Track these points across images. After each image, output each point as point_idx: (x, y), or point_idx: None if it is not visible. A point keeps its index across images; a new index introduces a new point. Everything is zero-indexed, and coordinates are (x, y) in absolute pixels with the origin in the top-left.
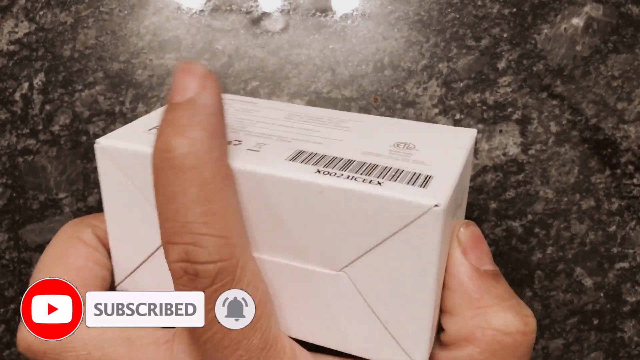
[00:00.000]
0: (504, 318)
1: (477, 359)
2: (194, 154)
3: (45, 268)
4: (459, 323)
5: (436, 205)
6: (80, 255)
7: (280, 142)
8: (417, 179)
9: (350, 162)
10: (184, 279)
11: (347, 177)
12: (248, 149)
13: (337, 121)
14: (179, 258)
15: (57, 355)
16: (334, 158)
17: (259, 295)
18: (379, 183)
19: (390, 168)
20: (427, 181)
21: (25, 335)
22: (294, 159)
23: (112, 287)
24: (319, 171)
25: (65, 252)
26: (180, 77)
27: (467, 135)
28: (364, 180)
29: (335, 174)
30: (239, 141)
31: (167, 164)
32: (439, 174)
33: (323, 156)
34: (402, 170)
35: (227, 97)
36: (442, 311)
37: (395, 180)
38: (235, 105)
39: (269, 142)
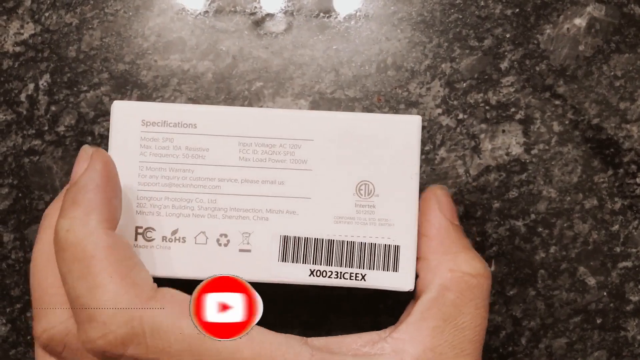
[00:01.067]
0: (471, 262)
1: (448, 298)
2: (72, 231)
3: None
4: (432, 266)
5: (409, 290)
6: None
7: (255, 224)
8: (389, 257)
9: (331, 246)
10: (100, 356)
11: (337, 276)
12: (240, 250)
13: (291, 150)
14: (87, 337)
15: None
16: (316, 241)
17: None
18: (363, 277)
19: (365, 244)
20: (397, 258)
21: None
22: (284, 257)
23: None
24: (311, 272)
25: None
26: (74, 166)
27: (412, 136)
28: (350, 276)
29: (326, 273)
30: (207, 237)
31: (56, 247)
32: (402, 236)
33: (306, 241)
34: (375, 245)
35: (175, 132)
36: (418, 258)
37: (374, 268)
38: (180, 144)
39: (247, 227)
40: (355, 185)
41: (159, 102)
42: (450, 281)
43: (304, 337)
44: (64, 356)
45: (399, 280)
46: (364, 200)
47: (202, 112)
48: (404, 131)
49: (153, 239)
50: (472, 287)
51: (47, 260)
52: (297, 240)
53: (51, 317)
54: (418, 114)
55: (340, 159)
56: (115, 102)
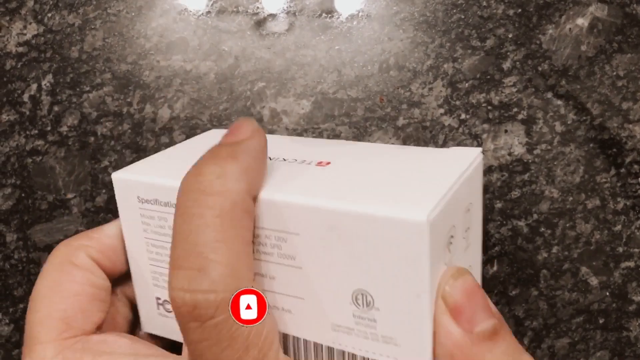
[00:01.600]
0: None
1: None
2: (222, 181)
3: (42, 297)
4: None
5: None
6: (76, 281)
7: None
8: None
9: (331, 354)
10: (183, 310)
11: None
12: None
13: (277, 243)
14: (181, 286)
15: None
16: (316, 346)
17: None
18: None
19: None
20: None
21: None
22: (285, 352)
23: (109, 307)
24: None
25: (59, 279)
26: (234, 126)
27: (418, 244)
28: None
29: None
30: None
31: (195, 187)
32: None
33: (306, 343)
34: None
35: (167, 212)
36: None
37: None
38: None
39: None
40: (351, 293)
41: (166, 105)
42: None
43: None
44: None
45: None
46: (362, 312)
47: None
48: (406, 236)
49: (171, 311)
50: None
51: (47, 294)
52: (296, 340)
53: (38, 353)
54: (420, 114)
55: (331, 259)
56: (113, 174)
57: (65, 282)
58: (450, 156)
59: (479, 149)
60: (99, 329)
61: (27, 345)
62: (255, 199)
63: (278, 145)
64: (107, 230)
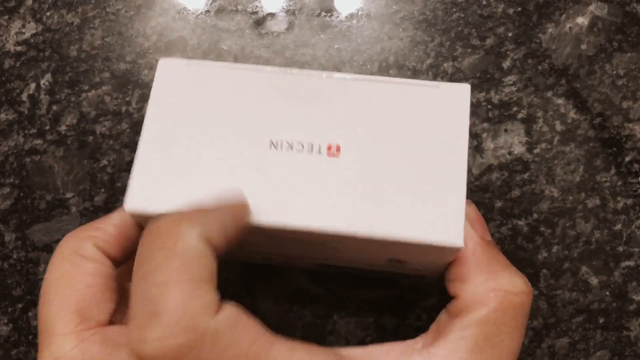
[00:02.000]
0: (512, 280)
1: (491, 317)
2: (177, 223)
3: (54, 289)
4: (473, 287)
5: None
6: (87, 272)
7: None
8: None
9: None
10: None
11: None
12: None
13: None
14: (140, 339)
15: None
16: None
17: None
18: None
19: None
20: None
21: None
22: None
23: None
24: None
25: (70, 271)
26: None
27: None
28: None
29: None
30: None
31: (149, 228)
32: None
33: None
34: None
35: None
36: (455, 280)
37: None
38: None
39: None
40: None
41: None
42: (493, 301)
43: (334, 349)
44: None
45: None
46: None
47: None
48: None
49: None
50: (515, 305)
51: (59, 286)
52: None
53: (57, 345)
54: None
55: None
56: (126, 206)
57: (76, 274)
58: (447, 112)
59: (467, 87)
60: (112, 318)
61: (44, 338)
62: (215, 252)
63: (275, 99)
64: (113, 220)
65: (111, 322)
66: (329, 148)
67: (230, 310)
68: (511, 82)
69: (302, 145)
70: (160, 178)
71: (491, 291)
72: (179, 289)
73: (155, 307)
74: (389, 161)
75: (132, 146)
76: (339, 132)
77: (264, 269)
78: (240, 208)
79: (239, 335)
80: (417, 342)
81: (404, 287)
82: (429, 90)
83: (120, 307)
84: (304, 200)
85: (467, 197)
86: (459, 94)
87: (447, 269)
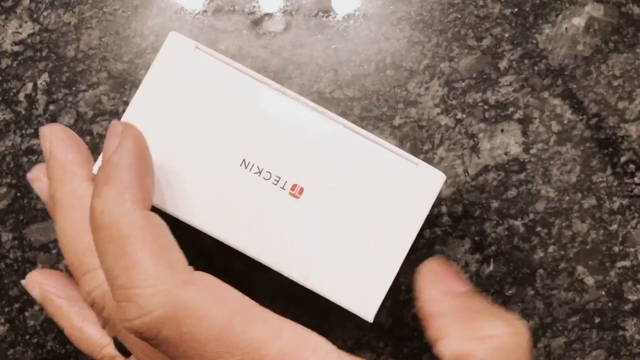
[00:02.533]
0: (493, 324)
1: None
2: (107, 212)
3: (78, 230)
4: (455, 342)
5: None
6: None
7: None
8: None
9: None
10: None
11: None
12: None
13: None
14: (124, 319)
15: None
16: None
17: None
18: None
19: None
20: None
21: None
22: None
23: None
24: None
25: (87, 215)
26: (105, 143)
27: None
28: None
29: None
30: None
31: (92, 227)
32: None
33: None
34: None
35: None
36: (435, 341)
37: None
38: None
39: None
40: None
41: None
42: (481, 352)
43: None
44: (104, 315)
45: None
46: None
47: None
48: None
49: None
50: (506, 349)
51: (77, 229)
52: None
53: (90, 281)
54: (417, 113)
55: None
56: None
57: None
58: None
59: (442, 177)
60: None
61: (78, 273)
62: (149, 204)
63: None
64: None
65: None
66: (293, 188)
67: (201, 280)
68: (507, 83)
69: (270, 175)
70: None
71: (475, 341)
72: (143, 268)
73: (126, 291)
74: (343, 219)
75: None
76: (309, 175)
77: (261, 268)
78: (138, 147)
79: (212, 307)
80: None
81: (401, 287)
82: (406, 165)
83: None
84: (254, 226)
85: (465, 200)
86: (432, 180)
87: (426, 332)
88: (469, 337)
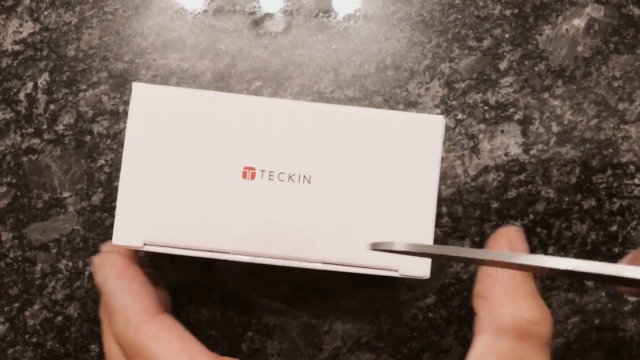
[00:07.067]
0: (532, 310)
1: (504, 341)
2: (122, 336)
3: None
4: (493, 307)
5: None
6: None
7: None
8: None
9: None
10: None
11: None
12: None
13: None
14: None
15: None
16: None
17: None
18: None
19: None
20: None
21: None
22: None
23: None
24: None
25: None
26: (97, 277)
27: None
28: None
29: None
30: None
31: (121, 349)
32: None
33: None
34: None
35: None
36: (478, 296)
37: None
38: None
39: None
40: None
41: None
42: (509, 326)
43: None
44: None
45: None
46: None
47: None
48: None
49: None
50: (531, 334)
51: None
52: None
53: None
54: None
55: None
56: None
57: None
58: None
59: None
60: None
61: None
62: (155, 306)
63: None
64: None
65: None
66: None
67: (152, 325)
68: (508, 84)
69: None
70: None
71: (508, 316)
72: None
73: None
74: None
75: None
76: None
77: (261, 269)
78: (120, 271)
79: (159, 352)
80: None
81: (400, 287)
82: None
83: None
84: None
85: (465, 201)
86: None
87: (475, 284)
88: (505, 309)
